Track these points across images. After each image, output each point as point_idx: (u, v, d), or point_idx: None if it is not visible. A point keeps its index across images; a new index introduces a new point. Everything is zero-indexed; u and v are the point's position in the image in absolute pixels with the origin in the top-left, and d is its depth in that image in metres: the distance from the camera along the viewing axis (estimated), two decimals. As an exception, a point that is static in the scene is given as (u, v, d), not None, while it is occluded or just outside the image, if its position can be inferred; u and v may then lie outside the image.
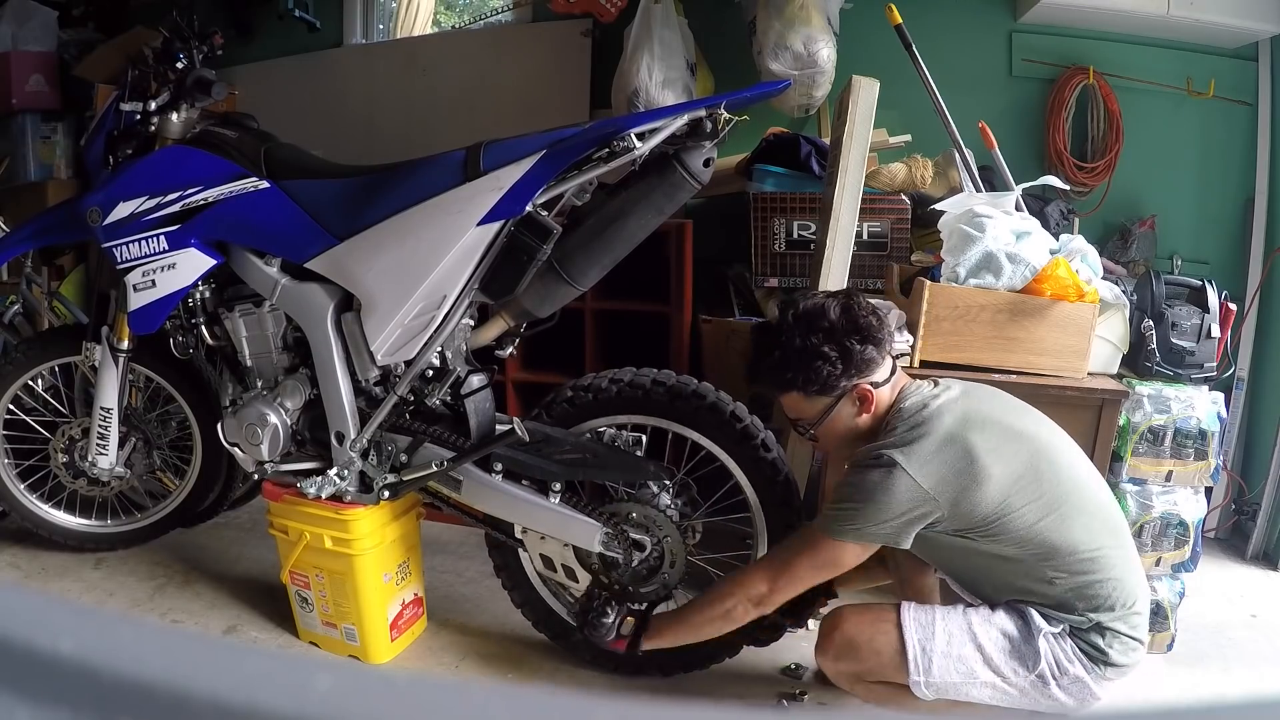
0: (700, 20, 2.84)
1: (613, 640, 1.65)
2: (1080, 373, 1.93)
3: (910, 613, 1.46)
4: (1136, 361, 2.18)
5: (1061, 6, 2.60)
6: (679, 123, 1.54)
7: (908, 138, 2.70)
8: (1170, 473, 2.00)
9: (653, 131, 1.53)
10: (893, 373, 1.52)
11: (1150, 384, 2.04)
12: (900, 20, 2.29)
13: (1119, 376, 2.07)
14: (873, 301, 1.53)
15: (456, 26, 3.88)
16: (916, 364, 2.01)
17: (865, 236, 2.29)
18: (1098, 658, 1.42)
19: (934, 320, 1.98)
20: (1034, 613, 1.44)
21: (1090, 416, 1.86)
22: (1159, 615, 1.98)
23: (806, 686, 1.84)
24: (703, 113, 1.55)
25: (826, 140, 2.50)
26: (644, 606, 1.73)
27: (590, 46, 3.09)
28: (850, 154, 2.01)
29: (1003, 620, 1.45)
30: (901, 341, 2.02)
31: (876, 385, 1.49)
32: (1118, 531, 1.46)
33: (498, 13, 3.44)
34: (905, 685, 1.44)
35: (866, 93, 2.00)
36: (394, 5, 3.56)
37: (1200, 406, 1.99)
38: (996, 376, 1.95)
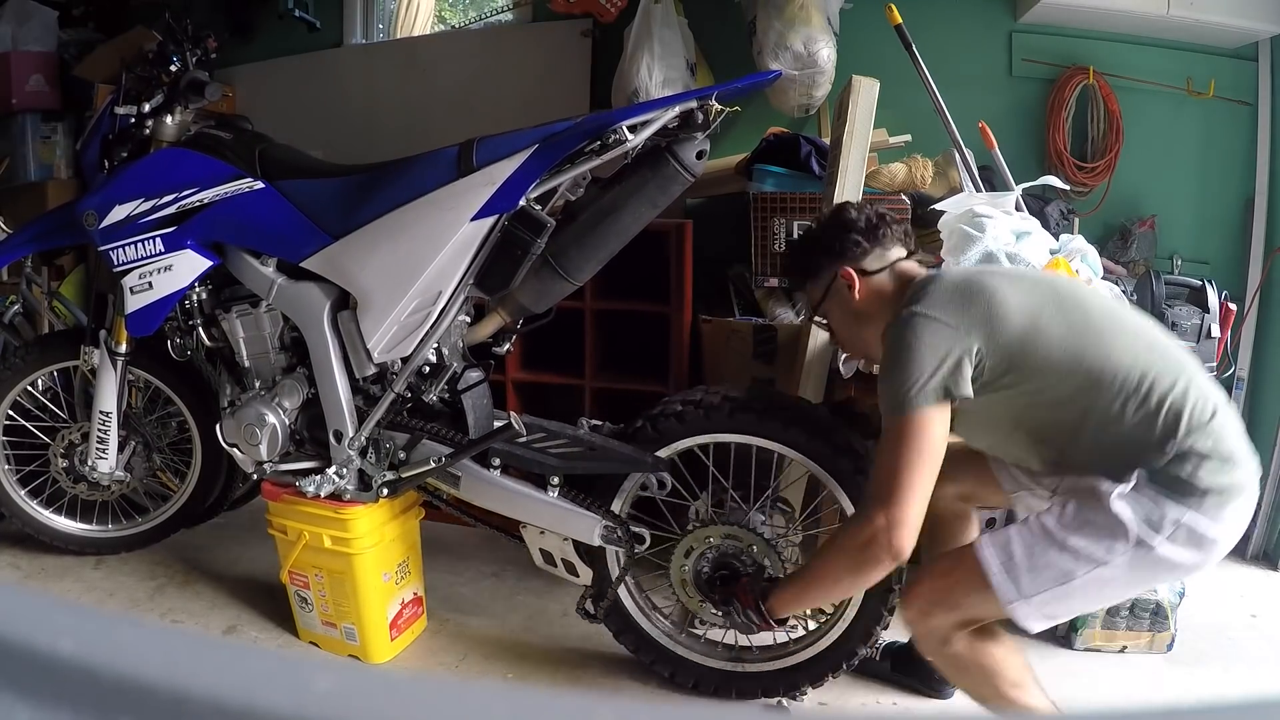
0: (700, 20, 2.84)
1: (756, 626, 1.63)
2: (1080, 372, 1.92)
3: (983, 542, 1.38)
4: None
5: (1061, 6, 2.60)
6: (670, 114, 1.55)
7: (908, 138, 2.70)
8: (1170, 472, 2.00)
9: (644, 124, 1.54)
10: (891, 266, 1.54)
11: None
12: (900, 20, 2.29)
13: (1119, 376, 2.07)
14: (882, 209, 1.59)
15: (456, 26, 3.88)
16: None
17: (865, 236, 2.28)
18: (1190, 489, 1.29)
19: (934, 320, 1.98)
20: (1102, 483, 1.33)
21: (1090, 416, 1.86)
22: (1159, 615, 1.99)
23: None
24: (694, 104, 1.56)
25: (826, 140, 2.50)
26: (753, 586, 1.67)
27: (590, 46, 3.09)
28: (850, 154, 2.01)
29: (1073, 510, 1.35)
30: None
31: (864, 272, 1.53)
32: (1166, 351, 1.38)
33: (498, 13, 3.44)
34: (1018, 677, 1.38)
35: (866, 93, 2.00)
36: (393, 5, 3.56)
37: (1200, 406, 1.98)
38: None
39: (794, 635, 1.83)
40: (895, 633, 1.78)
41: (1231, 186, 2.75)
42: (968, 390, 1.35)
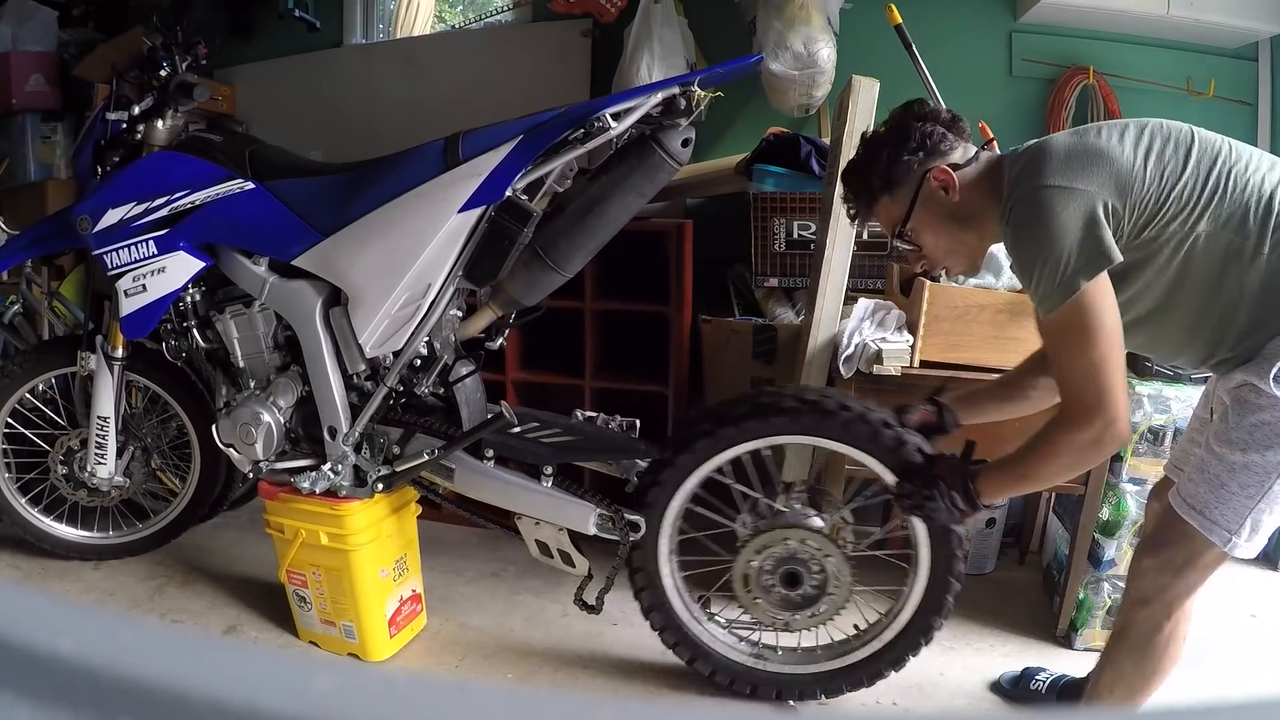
0: (700, 20, 2.84)
1: (960, 514, 1.50)
2: (1080, 372, 1.92)
3: (1176, 499, 1.33)
4: (1136, 361, 2.17)
5: (1061, 6, 2.60)
6: (653, 101, 1.56)
7: (908, 138, 2.70)
8: (1170, 472, 1.99)
9: (627, 111, 1.55)
10: (975, 157, 1.42)
11: (1150, 384, 2.04)
12: (900, 20, 2.30)
13: (1119, 376, 2.07)
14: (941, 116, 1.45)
15: (456, 26, 3.88)
16: (916, 364, 2.01)
17: (865, 236, 2.28)
18: None
19: (934, 320, 1.99)
20: (1248, 379, 1.26)
21: (1090, 416, 1.86)
22: (1159, 615, 1.99)
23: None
24: (676, 90, 1.56)
25: (826, 140, 2.50)
26: (960, 465, 1.53)
27: (590, 46, 3.09)
28: (850, 154, 2.00)
29: (1234, 418, 1.28)
30: (901, 342, 2.02)
31: (956, 167, 1.40)
32: None
33: (498, 13, 3.44)
34: None
35: (866, 93, 2.00)
36: (393, 5, 3.56)
37: (1200, 406, 1.98)
38: (997, 377, 1.94)
39: (823, 642, 1.83)
40: (1065, 666, 1.82)
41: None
42: (1117, 254, 1.24)
